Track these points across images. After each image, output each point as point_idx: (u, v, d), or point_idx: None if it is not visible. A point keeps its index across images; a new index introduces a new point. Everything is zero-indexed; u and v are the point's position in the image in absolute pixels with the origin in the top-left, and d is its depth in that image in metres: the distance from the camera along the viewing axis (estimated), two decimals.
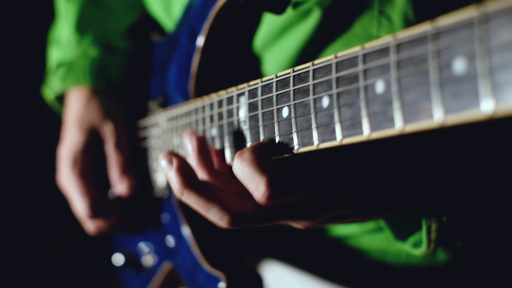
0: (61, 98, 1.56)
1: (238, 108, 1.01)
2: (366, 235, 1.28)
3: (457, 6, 1.02)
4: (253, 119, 0.97)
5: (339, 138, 0.80)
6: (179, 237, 1.32)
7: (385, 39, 0.72)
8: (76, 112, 1.48)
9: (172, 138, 1.27)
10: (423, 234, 1.02)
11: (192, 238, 1.28)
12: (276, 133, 0.92)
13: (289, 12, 1.14)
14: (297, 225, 0.97)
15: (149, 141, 1.42)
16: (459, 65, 0.63)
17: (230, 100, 1.03)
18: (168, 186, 1.35)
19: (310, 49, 1.17)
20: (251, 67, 1.23)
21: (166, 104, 1.35)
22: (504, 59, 0.59)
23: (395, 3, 1.10)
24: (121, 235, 1.61)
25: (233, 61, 1.24)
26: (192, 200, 0.91)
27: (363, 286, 1.30)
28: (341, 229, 1.29)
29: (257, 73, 1.24)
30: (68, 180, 1.45)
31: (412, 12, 1.09)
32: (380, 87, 0.73)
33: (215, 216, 0.91)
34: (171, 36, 1.37)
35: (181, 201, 1.29)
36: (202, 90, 1.23)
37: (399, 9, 1.10)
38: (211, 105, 1.09)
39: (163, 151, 1.29)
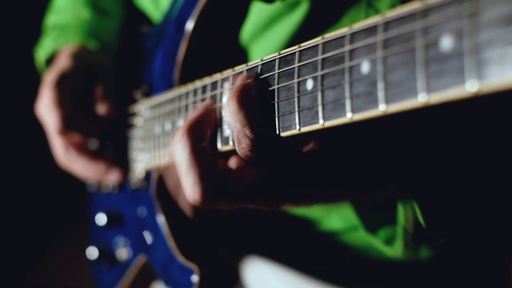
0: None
1: (221, 94, 0.99)
2: (351, 232, 1.26)
3: None
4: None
5: (321, 121, 0.78)
6: (154, 230, 1.30)
7: (374, 19, 0.71)
8: (69, 50, 1.46)
9: (153, 126, 1.25)
10: (399, 234, 1.00)
11: (167, 228, 1.26)
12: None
13: (277, 4, 1.13)
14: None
15: (131, 131, 1.40)
16: (446, 42, 0.62)
17: (214, 86, 1.02)
18: (147, 177, 1.32)
19: (298, 42, 1.15)
20: (237, 59, 1.22)
21: (150, 93, 1.33)
22: (491, 36, 0.58)
23: None
24: (96, 230, 1.58)
25: (219, 51, 1.22)
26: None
27: (346, 282, 1.28)
28: (326, 225, 1.27)
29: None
30: (46, 101, 1.39)
31: (400, 2, 1.09)
32: (365, 67, 0.71)
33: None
34: (158, 26, 1.36)
35: (158, 191, 1.27)
36: (187, 78, 1.21)
37: (387, 1, 1.09)
38: (195, 91, 1.08)
39: (146, 140, 1.27)
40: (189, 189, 0.88)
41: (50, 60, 1.53)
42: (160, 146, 1.21)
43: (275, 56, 0.88)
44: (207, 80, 1.04)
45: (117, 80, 1.48)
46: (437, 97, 0.62)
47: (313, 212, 1.28)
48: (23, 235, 3.05)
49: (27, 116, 1.71)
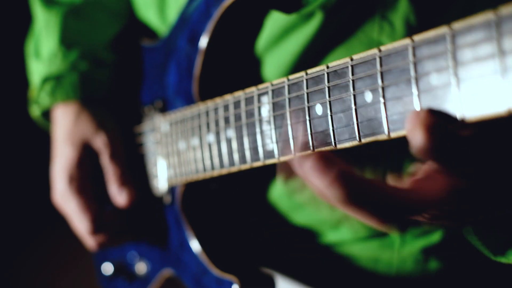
0: (47, 114, 1.50)
1: (259, 108, 0.99)
2: (358, 243, 1.27)
3: (458, 11, 1.03)
4: (279, 118, 0.96)
5: (386, 132, 0.80)
6: (182, 244, 1.29)
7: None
8: (66, 127, 1.43)
9: (177, 142, 1.24)
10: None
11: (197, 243, 1.26)
12: (309, 131, 0.91)
13: (292, 15, 1.13)
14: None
15: (147, 147, 1.38)
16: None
17: (249, 100, 1.02)
18: (170, 191, 1.32)
19: (312, 53, 1.16)
20: (252, 70, 1.22)
21: (165, 108, 1.32)
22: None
23: (398, 8, 1.10)
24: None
25: (235, 63, 1.22)
26: None
27: None
28: (333, 236, 1.28)
29: (257, 76, 1.22)
30: (65, 198, 1.39)
31: (414, 16, 1.10)
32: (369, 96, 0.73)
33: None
34: (165, 40, 1.34)
35: (184, 207, 1.27)
36: (206, 92, 1.21)
37: (401, 14, 1.11)
38: (226, 107, 1.08)
39: (169, 156, 1.26)
40: None
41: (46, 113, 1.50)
42: (187, 161, 1.21)
43: (323, 69, 0.88)
44: (240, 95, 1.04)
45: (120, 133, 1.47)
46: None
47: (322, 223, 1.28)
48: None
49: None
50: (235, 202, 1.31)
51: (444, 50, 0.72)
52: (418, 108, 0.74)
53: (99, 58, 1.48)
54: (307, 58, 1.17)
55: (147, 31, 1.50)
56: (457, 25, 0.71)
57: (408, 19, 1.10)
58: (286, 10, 1.07)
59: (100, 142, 1.41)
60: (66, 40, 1.47)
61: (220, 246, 1.27)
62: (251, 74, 1.22)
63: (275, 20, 1.16)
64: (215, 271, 1.21)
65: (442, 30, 0.72)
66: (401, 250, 1.23)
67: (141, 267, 1.47)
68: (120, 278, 1.52)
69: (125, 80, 1.48)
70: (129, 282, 1.50)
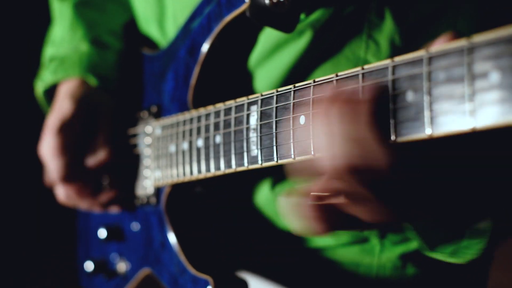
0: (50, 97, 1.55)
1: (248, 115, 1.05)
2: (341, 248, 1.32)
3: (438, 33, 1.10)
4: (265, 126, 1.01)
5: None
6: (163, 244, 1.34)
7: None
8: (69, 88, 1.47)
9: (167, 145, 1.29)
10: (477, 245, 1.04)
11: (177, 243, 1.30)
12: (291, 139, 0.96)
13: (290, 34, 1.19)
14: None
15: (140, 149, 1.43)
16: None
17: (239, 108, 1.07)
18: (157, 193, 1.36)
19: (301, 68, 1.22)
20: (244, 82, 1.27)
21: (160, 113, 1.37)
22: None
23: (383, 28, 1.17)
24: (92, 245, 1.61)
25: (229, 75, 1.28)
26: None
27: None
28: (318, 241, 1.33)
29: (249, 88, 1.28)
30: (48, 146, 1.42)
31: (399, 37, 1.17)
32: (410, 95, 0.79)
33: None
34: (165, 50, 1.40)
35: (168, 208, 1.31)
36: (200, 101, 1.27)
37: (386, 34, 1.17)
38: (217, 113, 1.13)
39: (158, 158, 1.31)
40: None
41: (48, 91, 1.55)
42: (175, 164, 1.26)
43: (310, 83, 0.94)
44: (231, 103, 1.09)
45: (118, 104, 1.51)
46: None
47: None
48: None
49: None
50: (220, 206, 1.36)
51: (421, 71, 0.77)
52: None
53: (101, 40, 1.54)
54: (296, 73, 1.23)
55: (147, 41, 1.56)
56: (434, 49, 0.76)
57: (393, 39, 1.17)
58: (284, 29, 1.13)
59: (100, 111, 1.47)
60: (73, 26, 1.54)
61: (200, 248, 1.31)
62: (243, 86, 1.27)
63: (268, 36, 1.22)
64: (192, 271, 1.25)
65: (420, 53, 0.78)
66: (381, 256, 1.28)
67: (121, 266, 1.51)
68: (99, 275, 1.56)
69: (126, 83, 1.52)
70: (108, 280, 1.53)
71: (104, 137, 1.46)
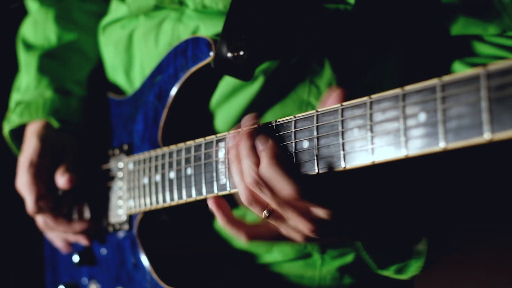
0: (17, 137, 1.69)
1: (217, 151, 1.22)
2: (287, 262, 1.49)
3: (369, 79, 1.34)
4: None
5: (316, 170, 1.04)
6: (135, 264, 1.48)
7: (363, 99, 0.98)
8: (36, 129, 1.62)
9: (140, 178, 1.44)
10: (416, 264, 1.25)
11: (149, 263, 1.45)
12: None
13: (248, 82, 1.38)
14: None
15: (112, 182, 1.57)
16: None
17: (209, 145, 1.24)
18: (129, 220, 1.50)
19: (254, 109, 1.41)
20: (206, 121, 1.44)
21: (131, 151, 1.52)
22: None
23: (323, 75, 1.37)
24: (65, 267, 1.73)
25: (193, 116, 1.45)
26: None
27: None
28: (267, 258, 1.49)
29: (211, 126, 1.45)
30: (22, 182, 1.59)
31: (335, 81, 1.37)
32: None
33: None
34: (133, 95, 1.56)
35: (140, 232, 1.46)
36: (168, 139, 1.43)
37: (325, 80, 1.37)
38: (188, 149, 1.29)
39: (131, 190, 1.46)
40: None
41: (15, 132, 1.70)
42: (148, 194, 1.41)
43: (272, 123, 1.12)
44: (201, 140, 1.26)
45: (86, 143, 1.67)
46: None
47: (257, 247, 1.50)
48: None
49: None
50: (184, 229, 1.51)
51: (365, 112, 0.97)
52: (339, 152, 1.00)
53: (64, 88, 1.68)
54: (250, 113, 1.41)
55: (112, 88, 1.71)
56: (374, 96, 0.97)
57: (331, 83, 1.37)
58: (242, 78, 1.31)
59: (63, 148, 1.63)
60: (39, 75, 1.69)
61: (170, 265, 1.46)
62: (206, 124, 1.44)
63: (226, 82, 1.40)
64: (164, 286, 1.40)
65: (364, 99, 0.98)
66: (322, 269, 1.46)
67: (93, 287, 1.64)
68: None
69: (93, 124, 1.67)
70: None
71: (65, 167, 1.61)
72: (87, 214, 1.64)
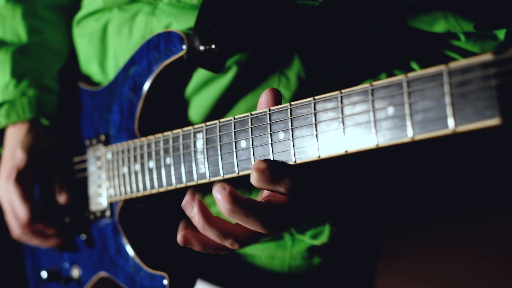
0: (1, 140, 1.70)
1: (195, 141, 1.27)
2: (260, 244, 1.56)
3: (337, 70, 1.40)
4: (211, 149, 1.23)
5: (293, 160, 1.10)
6: (118, 249, 1.53)
7: (333, 93, 1.04)
8: (18, 138, 1.64)
9: (119, 168, 1.48)
10: (326, 231, 1.33)
11: (131, 248, 1.50)
12: (235, 160, 1.19)
13: (219, 74, 1.42)
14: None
15: (89, 172, 1.61)
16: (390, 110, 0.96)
17: (187, 136, 1.29)
18: (110, 207, 1.55)
19: (227, 98, 1.46)
20: (181, 111, 1.49)
21: (108, 141, 1.56)
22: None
23: (292, 65, 1.42)
24: (45, 253, 1.77)
25: (168, 106, 1.49)
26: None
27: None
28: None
29: (185, 116, 1.49)
30: (10, 190, 1.60)
31: (304, 72, 1.43)
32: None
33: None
34: (108, 86, 1.59)
35: (121, 219, 1.51)
36: (145, 129, 1.47)
37: (294, 70, 1.43)
38: (166, 140, 1.34)
39: (110, 179, 1.50)
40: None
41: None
42: (129, 182, 1.45)
43: (247, 115, 1.17)
44: (178, 131, 1.31)
45: (62, 135, 1.70)
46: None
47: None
48: None
49: None
50: (165, 215, 1.56)
51: (336, 105, 1.03)
52: (314, 143, 1.06)
53: (45, 85, 1.71)
54: (223, 102, 1.46)
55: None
56: (345, 90, 1.03)
57: (300, 74, 1.42)
58: (214, 70, 1.36)
59: (48, 150, 1.67)
60: (16, 73, 1.69)
61: (153, 250, 1.51)
62: (180, 114, 1.49)
63: (199, 73, 1.44)
64: (148, 269, 1.45)
65: (335, 93, 1.04)
66: (292, 250, 1.53)
67: (75, 272, 1.68)
68: (53, 283, 1.72)
69: (66, 113, 1.70)
70: (64, 284, 1.70)
71: (60, 184, 1.65)
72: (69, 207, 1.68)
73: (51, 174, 1.67)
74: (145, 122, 1.49)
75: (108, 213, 1.56)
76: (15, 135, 1.65)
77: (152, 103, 1.48)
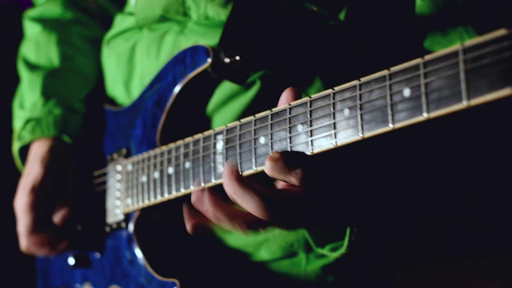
0: (24, 156, 1.75)
1: (215, 143, 1.30)
2: (275, 262, 1.55)
3: None
4: (230, 149, 1.26)
5: (310, 150, 1.12)
6: (131, 260, 1.53)
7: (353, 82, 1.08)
8: (40, 153, 1.70)
9: (138, 177, 1.51)
10: (345, 240, 1.32)
11: (143, 257, 1.50)
12: (253, 156, 1.22)
13: (242, 86, 1.47)
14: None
15: (109, 185, 1.63)
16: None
17: (207, 139, 1.32)
18: (126, 218, 1.56)
19: (249, 114, 1.49)
20: (203, 126, 1.52)
21: (129, 154, 1.59)
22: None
23: (313, 85, 1.47)
24: (56, 271, 1.77)
25: (190, 120, 1.53)
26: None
27: None
28: (257, 257, 1.55)
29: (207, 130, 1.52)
30: (20, 203, 1.66)
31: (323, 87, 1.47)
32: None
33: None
34: (132, 105, 1.64)
35: (136, 228, 1.52)
36: (166, 142, 1.50)
37: (315, 90, 1.47)
38: (186, 145, 1.37)
39: (129, 189, 1.53)
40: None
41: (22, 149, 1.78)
42: (147, 191, 1.47)
43: (268, 113, 1.21)
44: (199, 136, 1.34)
45: (84, 152, 1.75)
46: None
47: (248, 246, 1.57)
48: None
49: None
50: (180, 226, 1.57)
51: (354, 93, 1.07)
52: (331, 132, 1.09)
53: (72, 106, 1.78)
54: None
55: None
56: (363, 78, 1.06)
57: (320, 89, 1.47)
58: (238, 81, 1.41)
59: (66, 168, 1.71)
60: (45, 93, 1.78)
61: (164, 259, 1.51)
62: (202, 129, 1.52)
63: (223, 87, 1.49)
64: (159, 278, 1.45)
65: (353, 82, 1.08)
66: (307, 268, 1.52)
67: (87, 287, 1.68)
68: None
69: (90, 132, 1.75)
70: None
71: (67, 198, 1.69)
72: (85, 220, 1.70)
73: (63, 189, 1.70)
74: (166, 134, 1.52)
75: (123, 224, 1.57)
76: (38, 150, 1.71)
77: (175, 116, 1.52)
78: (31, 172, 1.68)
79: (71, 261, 1.69)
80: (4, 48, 2.43)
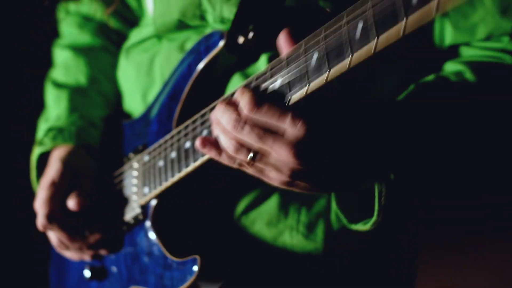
0: (41, 166, 1.76)
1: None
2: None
3: None
4: None
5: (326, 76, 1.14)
6: (149, 253, 1.49)
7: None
8: (61, 155, 1.71)
9: (155, 164, 1.51)
10: (376, 204, 1.30)
11: (161, 245, 1.46)
12: None
13: None
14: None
15: (126, 182, 1.62)
16: None
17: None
18: (143, 210, 1.54)
19: None
20: None
21: (146, 148, 1.60)
22: None
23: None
24: (73, 282, 1.71)
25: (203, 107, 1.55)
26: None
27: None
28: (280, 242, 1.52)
29: None
30: (38, 199, 1.66)
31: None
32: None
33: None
34: (146, 110, 1.66)
35: (154, 216, 1.50)
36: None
37: None
38: (202, 115, 1.38)
39: (146, 179, 1.52)
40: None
41: (43, 155, 1.79)
42: (166, 171, 1.47)
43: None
44: (215, 102, 1.36)
45: (103, 162, 1.76)
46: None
47: (268, 233, 1.53)
48: None
49: None
50: (200, 216, 1.54)
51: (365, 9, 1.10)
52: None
53: (93, 121, 1.82)
54: None
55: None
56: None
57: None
58: (250, 59, 1.46)
59: (83, 167, 1.72)
60: (70, 106, 1.83)
61: (183, 245, 1.47)
62: None
63: (236, 80, 1.52)
64: (179, 259, 1.41)
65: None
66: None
67: None
68: None
69: (108, 145, 1.77)
70: None
71: (79, 192, 1.68)
72: (101, 225, 1.67)
73: (81, 185, 1.70)
74: (182, 122, 1.53)
75: (141, 217, 1.54)
76: (58, 153, 1.73)
77: (191, 105, 1.54)
78: (51, 170, 1.69)
79: (87, 273, 1.64)
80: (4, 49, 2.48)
